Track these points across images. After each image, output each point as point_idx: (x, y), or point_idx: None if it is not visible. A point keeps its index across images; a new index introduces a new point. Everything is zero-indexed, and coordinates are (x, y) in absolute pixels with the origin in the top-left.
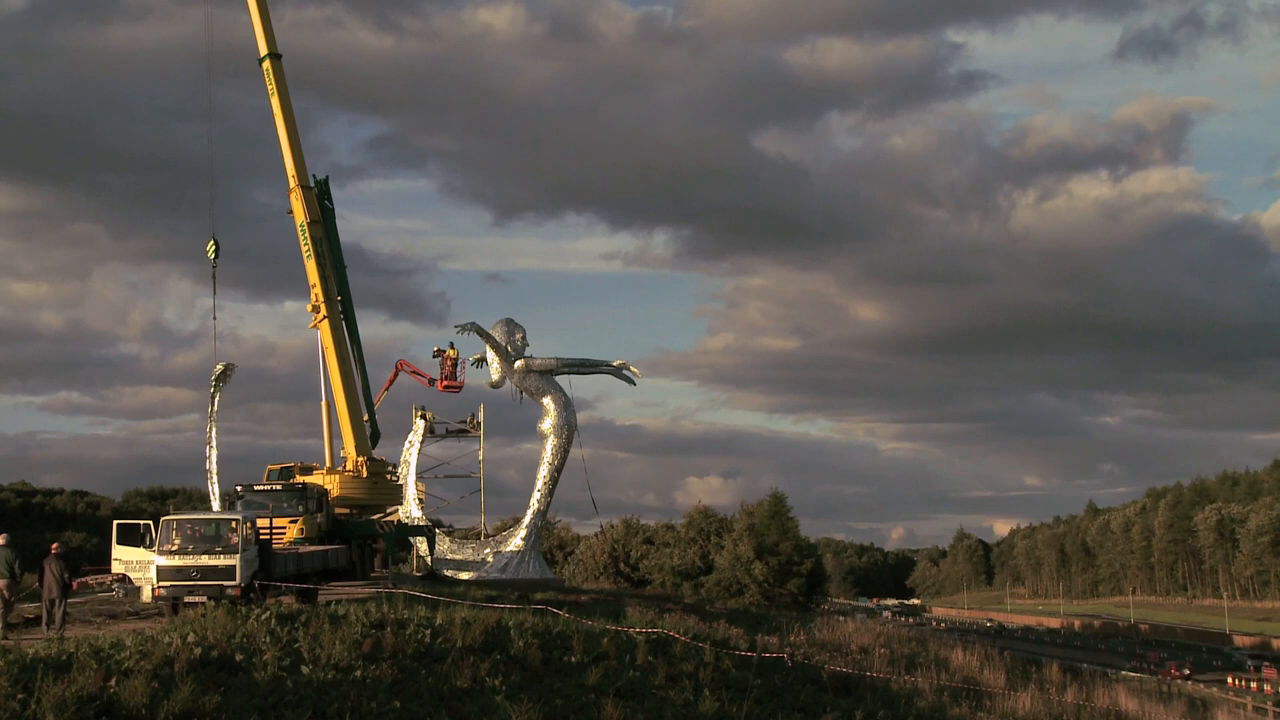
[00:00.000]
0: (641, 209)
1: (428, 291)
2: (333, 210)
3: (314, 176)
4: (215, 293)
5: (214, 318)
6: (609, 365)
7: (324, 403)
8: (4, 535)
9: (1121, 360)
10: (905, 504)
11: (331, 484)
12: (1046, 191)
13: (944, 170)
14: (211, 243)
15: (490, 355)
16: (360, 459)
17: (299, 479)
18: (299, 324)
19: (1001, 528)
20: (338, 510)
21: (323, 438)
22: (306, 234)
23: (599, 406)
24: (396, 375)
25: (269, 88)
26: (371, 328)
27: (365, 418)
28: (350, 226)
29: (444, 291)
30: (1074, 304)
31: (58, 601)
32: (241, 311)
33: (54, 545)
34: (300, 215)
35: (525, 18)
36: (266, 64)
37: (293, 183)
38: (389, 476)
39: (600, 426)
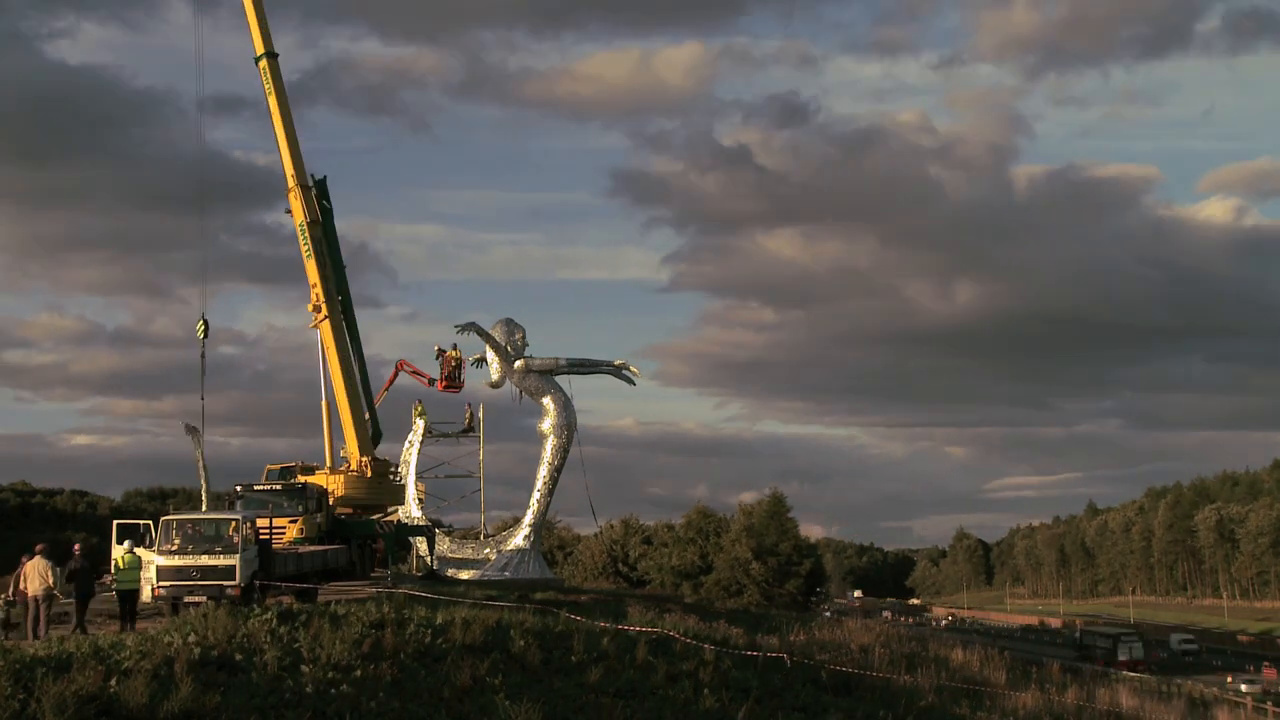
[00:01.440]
0: None
1: None
2: (331, 210)
3: (312, 176)
4: (204, 372)
5: (201, 398)
6: (609, 365)
7: (324, 402)
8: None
9: None
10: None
11: (335, 484)
12: None
13: None
14: (201, 323)
15: (490, 355)
16: (364, 459)
17: (300, 479)
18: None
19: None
20: (340, 511)
21: (323, 437)
22: (306, 234)
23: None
24: (396, 375)
25: (265, 87)
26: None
27: (366, 416)
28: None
29: None
30: None
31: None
32: (248, 306)
33: (75, 546)
34: (299, 215)
35: None
36: (263, 64)
37: (291, 182)
38: (391, 476)
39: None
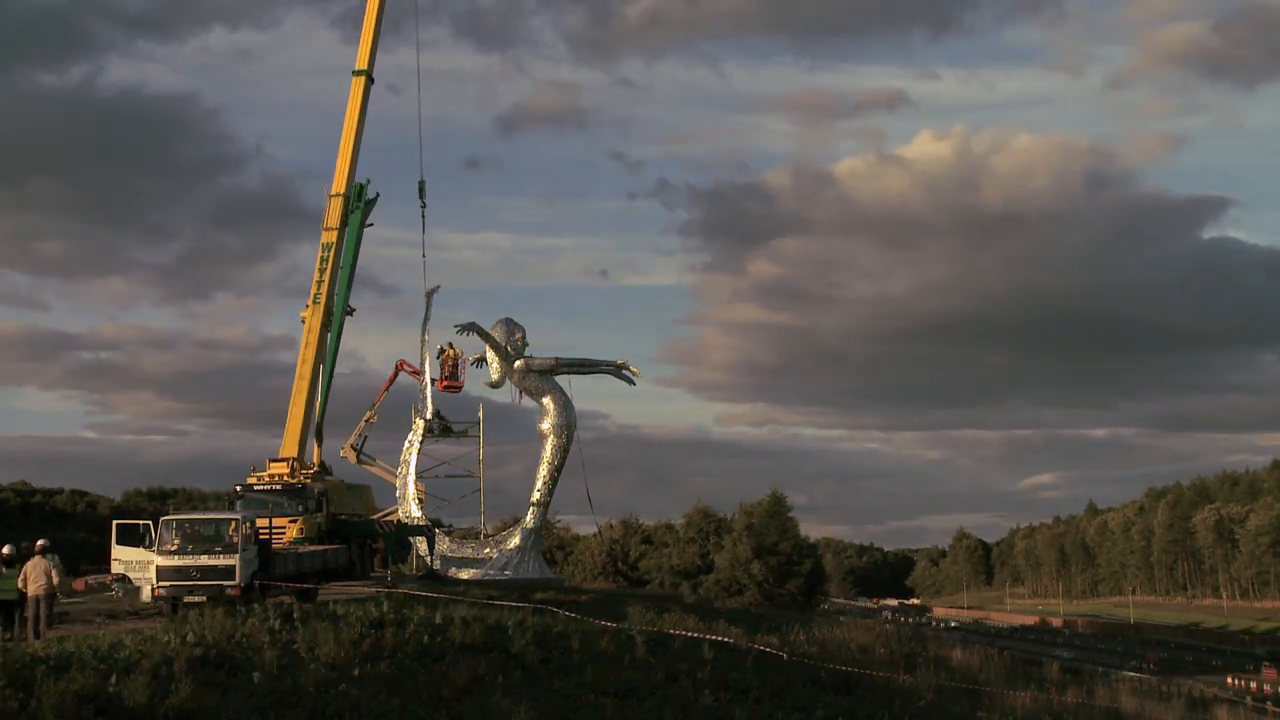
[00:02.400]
0: None
1: None
2: (361, 226)
3: (361, 186)
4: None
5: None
6: (609, 365)
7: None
8: (41, 541)
9: None
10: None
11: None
12: None
13: None
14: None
15: (489, 355)
16: (293, 458)
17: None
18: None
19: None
20: None
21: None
22: (327, 237)
23: None
24: (396, 375)
25: (350, 100)
26: None
27: (315, 419)
28: None
29: None
30: None
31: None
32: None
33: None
34: (326, 220)
35: None
36: (358, 79)
37: (334, 188)
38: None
39: None
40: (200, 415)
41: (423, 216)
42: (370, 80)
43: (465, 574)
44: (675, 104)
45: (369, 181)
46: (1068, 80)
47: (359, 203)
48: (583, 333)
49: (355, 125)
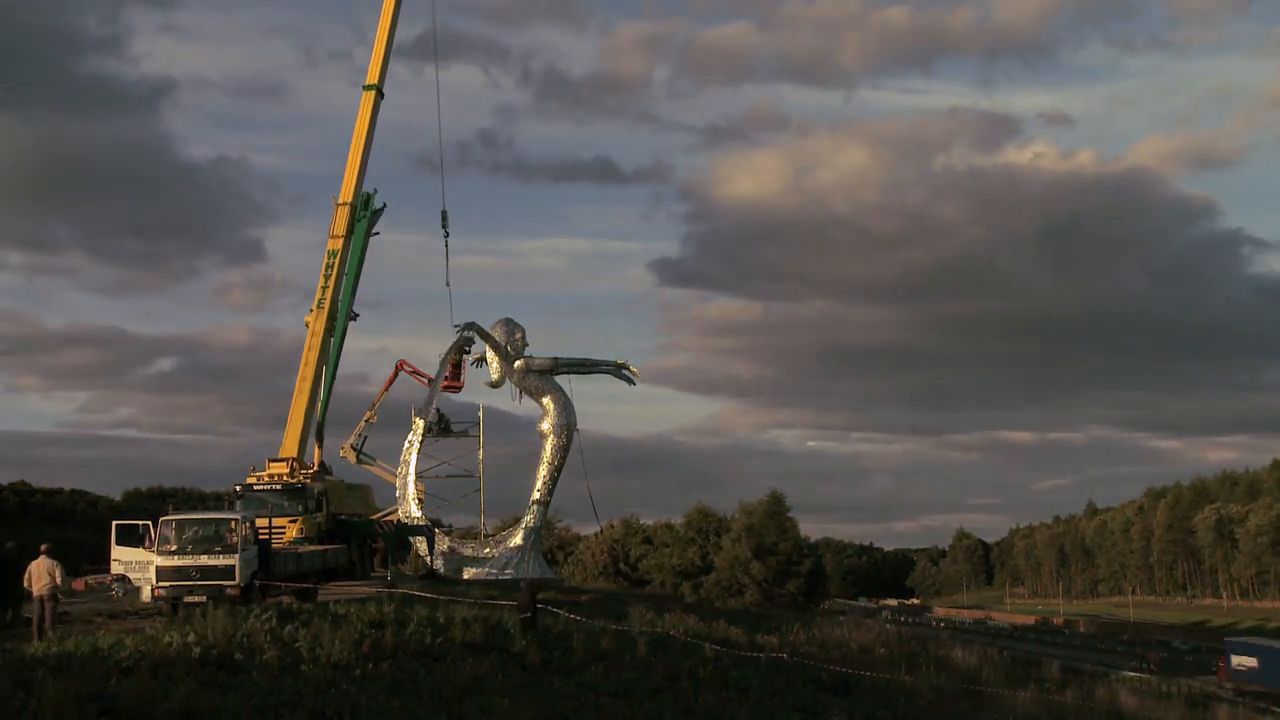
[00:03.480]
0: None
1: None
2: (367, 234)
3: (368, 195)
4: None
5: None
6: (608, 364)
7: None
8: (45, 545)
9: None
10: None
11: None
12: None
13: None
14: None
15: (489, 355)
16: (293, 458)
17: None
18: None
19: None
20: None
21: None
22: (333, 244)
23: None
24: (396, 375)
25: (360, 112)
26: None
27: (315, 420)
28: None
29: None
30: None
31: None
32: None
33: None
34: (333, 228)
35: None
36: (368, 93)
37: (341, 198)
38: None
39: None
40: (200, 415)
41: (446, 246)
42: (380, 94)
43: (467, 573)
44: None
45: (376, 191)
46: None
47: (365, 211)
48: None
49: (364, 136)
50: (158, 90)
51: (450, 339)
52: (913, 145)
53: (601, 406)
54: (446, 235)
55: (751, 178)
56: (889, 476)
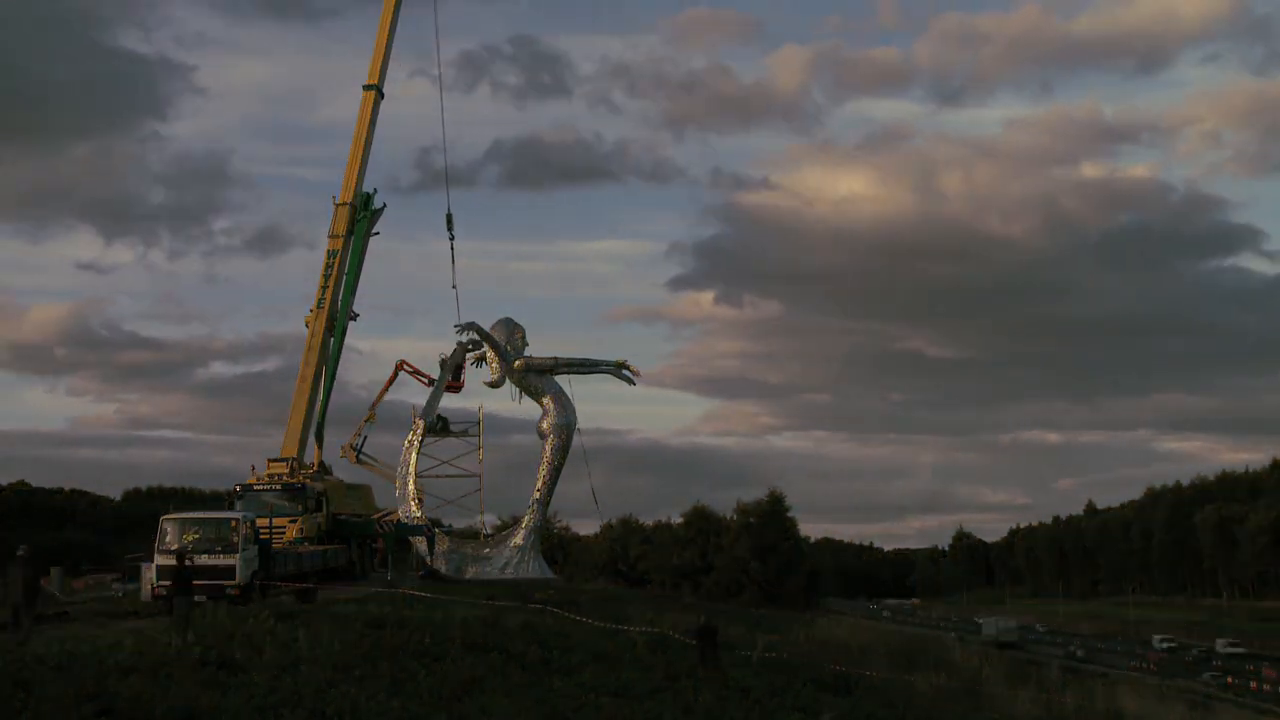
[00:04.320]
0: None
1: None
2: (367, 234)
3: (368, 195)
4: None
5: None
6: (608, 364)
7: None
8: (24, 548)
9: None
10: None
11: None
12: None
13: None
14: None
15: (489, 355)
16: (293, 457)
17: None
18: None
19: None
20: None
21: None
22: (332, 245)
23: None
24: (396, 375)
25: (359, 112)
26: None
27: (314, 421)
28: None
29: None
30: None
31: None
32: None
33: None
34: (332, 228)
35: None
36: (368, 93)
37: (341, 198)
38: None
39: None
40: (201, 415)
41: (451, 249)
42: (380, 94)
43: (468, 573)
44: None
45: (376, 191)
46: None
47: (365, 212)
48: None
49: (364, 136)
50: None
51: (452, 341)
52: None
53: (601, 406)
54: (452, 238)
55: None
56: (889, 476)
